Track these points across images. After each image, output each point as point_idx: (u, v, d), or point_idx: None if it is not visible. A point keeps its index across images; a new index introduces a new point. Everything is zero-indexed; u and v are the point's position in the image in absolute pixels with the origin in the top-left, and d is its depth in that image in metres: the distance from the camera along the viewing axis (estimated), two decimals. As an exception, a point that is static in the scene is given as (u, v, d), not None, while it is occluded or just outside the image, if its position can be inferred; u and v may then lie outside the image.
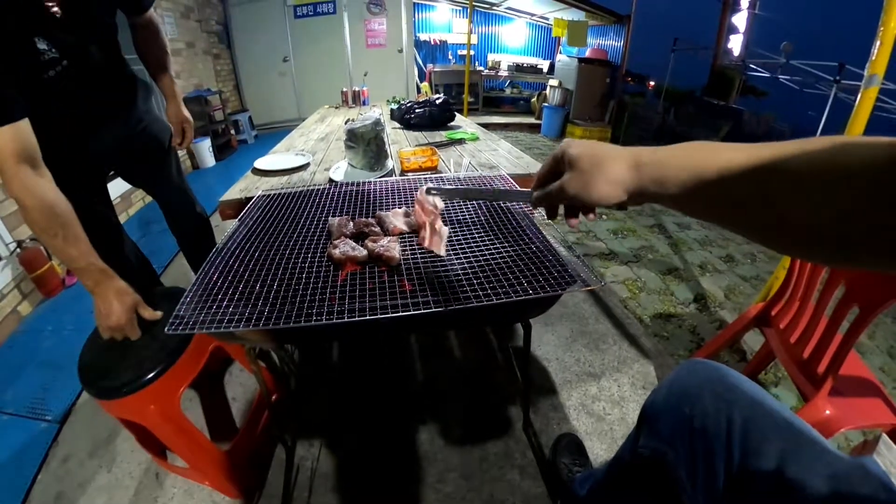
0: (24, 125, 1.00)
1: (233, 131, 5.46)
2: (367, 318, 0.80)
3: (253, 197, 1.41)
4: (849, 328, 1.04)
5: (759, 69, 7.77)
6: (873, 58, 1.39)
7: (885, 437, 1.02)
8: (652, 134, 7.41)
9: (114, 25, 1.36)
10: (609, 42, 7.28)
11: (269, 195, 1.40)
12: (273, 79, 6.48)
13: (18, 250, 2.28)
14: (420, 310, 0.81)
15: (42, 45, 1.10)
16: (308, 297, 0.87)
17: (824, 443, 0.60)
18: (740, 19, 7.78)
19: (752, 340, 2.05)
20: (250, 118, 5.97)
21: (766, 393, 0.68)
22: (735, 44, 7.89)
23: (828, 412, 1.14)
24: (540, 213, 1.15)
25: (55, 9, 1.10)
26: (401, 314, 0.81)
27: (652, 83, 8.42)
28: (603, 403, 1.64)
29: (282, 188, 1.49)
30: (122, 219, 3.31)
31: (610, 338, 1.99)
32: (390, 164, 1.79)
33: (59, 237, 1.02)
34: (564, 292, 0.88)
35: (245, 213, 1.26)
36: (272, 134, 6.01)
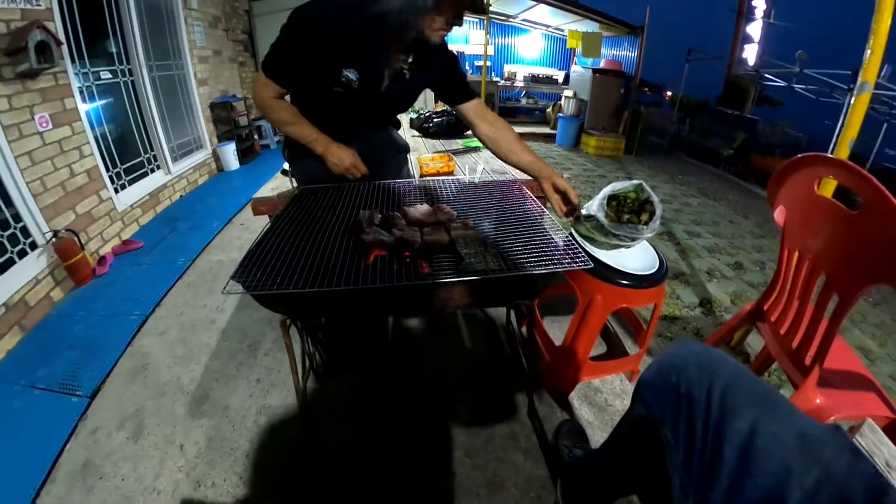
0: (277, 86, 1.43)
1: (256, 136, 5.61)
2: (391, 284, 0.95)
3: (281, 195, 1.58)
4: (832, 315, 1.08)
5: (773, 78, 7.75)
6: (864, 66, 1.45)
7: (870, 420, 1.06)
8: (666, 144, 7.44)
9: (410, 101, 1.62)
10: (623, 53, 7.36)
11: (308, 189, 1.54)
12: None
13: (54, 240, 2.42)
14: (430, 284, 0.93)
15: (350, 75, 1.37)
16: (343, 275, 0.99)
17: (800, 411, 0.65)
18: (755, 29, 7.78)
19: (757, 344, 2.08)
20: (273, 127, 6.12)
21: (748, 370, 0.74)
22: (750, 53, 7.89)
23: (818, 401, 1.17)
24: (550, 217, 1.27)
25: (406, 71, 1.44)
26: (421, 282, 0.96)
27: (669, 93, 8.45)
28: (605, 395, 1.69)
29: (317, 185, 1.60)
30: (150, 216, 3.48)
31: (615, 335, 2.04)
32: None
33: (294, 127, 1.49)
34: (559, 269, 0.97)
35: (287, 206, 1.40)
36: None
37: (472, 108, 1.56)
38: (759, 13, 7.70)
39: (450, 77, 1.54)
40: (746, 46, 7.94)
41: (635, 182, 1.41)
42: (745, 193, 5.48)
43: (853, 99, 1.50)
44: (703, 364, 0.75)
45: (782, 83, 7.61)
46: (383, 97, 1.49)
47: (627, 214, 1.38)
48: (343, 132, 1.56)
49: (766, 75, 7.80)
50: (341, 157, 1.49)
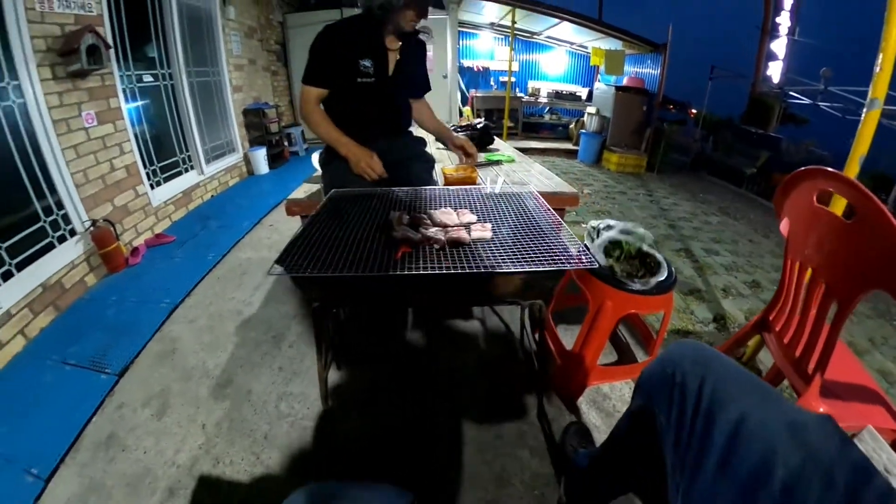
0: (322, 91, 1.80)
1: (286, 143, 5.78)
2: (414, 272, 1.06)
3: (313, 197, 1.80)
4: (832, 321, 1.10)
5: (798, 96, 7.62)
6: (874, 82, 1.48)
7: (870, 427, 1.06)
8: (689, 162, 7.39)
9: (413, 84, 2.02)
10: (646, 70, 7.36)
11: (342, 192, 1.65)
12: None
13: (92, 228, 2.57)
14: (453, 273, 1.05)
15: (366, 63, 1.75)
16: (374, 267, 1.11)
17: (791, 403, 0.68)
18: (779, 46, 7.67)
19: (770, 361, 2.08)
20: (302, 132, 6.27)
21: (742, 367, 0.78)
22: (774, 70, 7.77)
23: (821, 410, 1.18)
24: (567, 230, 1.33)
25: (399, 54, 1.83)
26: (439, 272, 1.06)
27: (694, 111, 8.41)
28: (613, 402, 1.71)
29: (343, 187, 1.71)
30: (182, 213, 3.65)
31: (625, 345, 2.06)
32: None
33: (322, 127, 1.78)
34: (567, 267, 1.06)
35: (321, 207, 1.50)
36: (321, 148, 6.26)
37: (419, 101, 2.10)
38: (783, 30, 7.59)
39: (421, 68, 2.02)
40: (771, 64, 7.84)
41: (641, 235, 1.54)
42: (767, 213, 5.40)
43: (863, 116, 1.53)
44: (698, 359, 0.79)
45: (807, 101, 7.49)
46: (392, 83, 1.84)
47: (625, 265, 1.52)
48: (372, 130, 1.84)
49: (791, 93, 7.69)
50: (359, 157, 1.73)
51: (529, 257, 1.14)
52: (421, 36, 1.92)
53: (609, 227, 1.58)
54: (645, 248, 1.51)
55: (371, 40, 1.76)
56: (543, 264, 1.10)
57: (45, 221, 2.38)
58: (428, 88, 2.12)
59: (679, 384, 0.77)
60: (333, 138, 1.77)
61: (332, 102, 1.85)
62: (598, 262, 1.43)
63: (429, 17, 1.82)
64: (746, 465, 0.62)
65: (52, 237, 2.42)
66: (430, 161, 1.98)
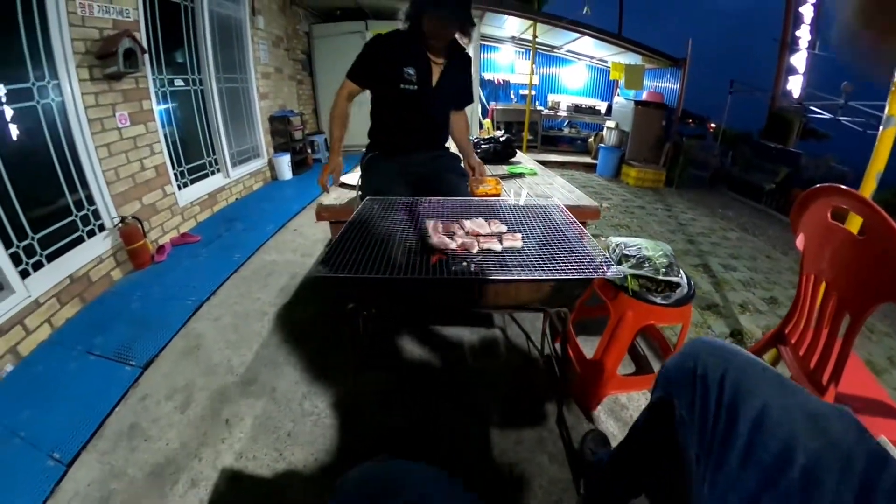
0: (356, 87, 1.95)
1: (309, 150, 5.89)
2: (456, 277, 1.18)
3: (343, 205, 2.00)
4: (845, 334, 1.12)
5: (819, 111, 7.51)
6: (890, 99, 1.48)
7: (884, 437, 1.06)
8: (708, 178, 7.34)
9: (455, 97, 2.09)
10: (665, 85, 7.35)
11: (374, 201, 1.70)
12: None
13: (120, 225, 2.64)
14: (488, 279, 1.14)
15: (410, 70, 1.86)
16: (411, 270, 1.19)
17: (811, 394, 0.70)
18: (799, 60, 7.56)
19: (785, 374, 2.05)
20: (325, 140, 6.31)
21: (762, 360, 0.79)
22: (794, 85, 7.63)
23: None
24: (592, 242, 1.37)
25: (443, 66, 1.92)
26: (475, 277, 1.16)
27: (713, 125, 8.34)
28: (631, 412, 1.71)
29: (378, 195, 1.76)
30: (207, 214, 3.74)
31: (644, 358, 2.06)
32: None
33: (334, 122, 1.95)
34: (591, 276, 1.14)
35: (357, 213, 1.56)
36: (345, 156, 6.28)
37: (457, 113, 2.16)
38: (803, 44, 7.48)
39: (466, 86, 2.09)
40: (791, 78, 7.72)
41: (658, 258, 1.55)
42: (786, 229, 5.31)
43: (879, 133, 1.53)
44: (718, 352, 0.81)
45: (828, 115, 7.35)
46: (434, 93, 1.93)
47: (647, 281, 1.53)
48: (413, 137, 2.01)
49: (811, 107, 7.57)
50: (330, 165, 1.91)
51: (558, 266, 1.20)
52: None
53: (627, 258, 1.58)
54: (661, 277, 1.52)
55: (416, 50, 1.87)
56: (572, 273, 1.16)
57: (76, 216, 2.46)
58: (470, 101, 2.16)
59: (700, 377, 0.79)
60: (331, 134, 1.97)
61: (378, 109, 2.01)
62: (613, 280, 1.47)
63: (467, 39, 1.93)
64: (769, 453, 0.64)
65: (82, 231, 2.50)
66: (464, 175, 2.04)
